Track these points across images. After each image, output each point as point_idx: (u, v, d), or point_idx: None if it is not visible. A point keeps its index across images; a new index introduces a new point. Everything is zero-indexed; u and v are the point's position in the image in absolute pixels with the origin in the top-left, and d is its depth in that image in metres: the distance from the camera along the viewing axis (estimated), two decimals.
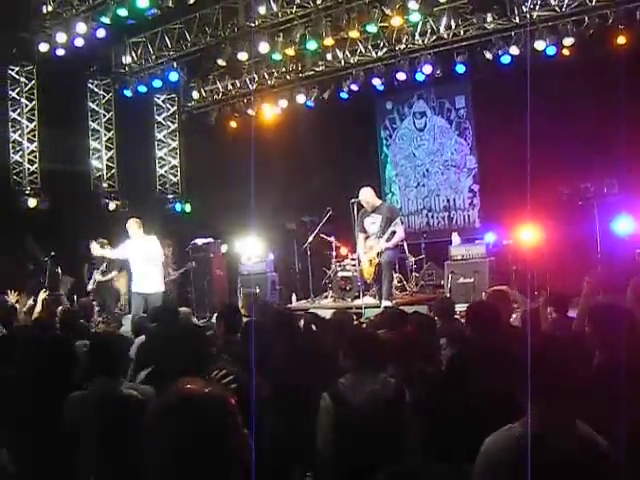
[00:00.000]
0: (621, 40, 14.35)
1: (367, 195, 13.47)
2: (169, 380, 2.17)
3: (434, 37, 16.39)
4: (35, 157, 17.97)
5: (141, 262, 13.22)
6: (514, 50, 15.51)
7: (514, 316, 7.64)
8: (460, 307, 9.40)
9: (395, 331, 6.47)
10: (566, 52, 15.19)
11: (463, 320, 7.71)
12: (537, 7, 14.92)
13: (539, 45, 15.09)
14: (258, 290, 16.29)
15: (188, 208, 20.91)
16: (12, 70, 17.68)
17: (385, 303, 12.43)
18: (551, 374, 3.34)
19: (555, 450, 3.22)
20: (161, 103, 21.15)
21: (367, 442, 4.68)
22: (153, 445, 2.10)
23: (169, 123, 21.25)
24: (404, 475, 2.97)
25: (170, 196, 21.03)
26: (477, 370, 5.00)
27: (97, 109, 19.69)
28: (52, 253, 15.59)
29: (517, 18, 15.17)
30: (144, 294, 13.04)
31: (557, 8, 14.68)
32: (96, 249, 14.52)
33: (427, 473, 3.00)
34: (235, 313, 7.11)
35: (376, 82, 17.82)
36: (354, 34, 15.64)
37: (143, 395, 5.04)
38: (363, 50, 17.30)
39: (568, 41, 14.89)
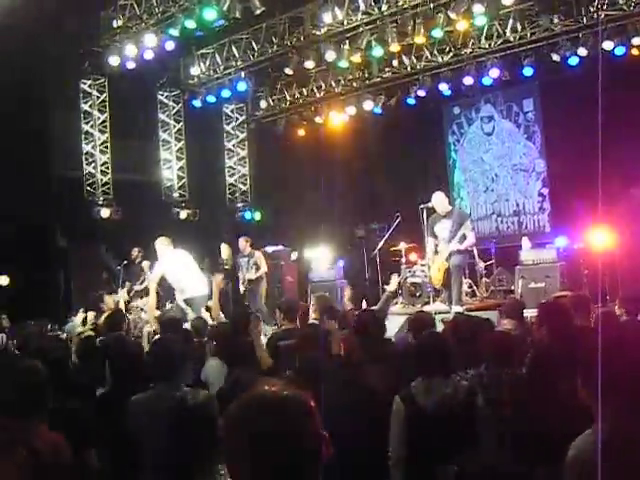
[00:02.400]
0: None
1: (439, 200, 13.36)
2: None
3: (500, 40, 16.31)
4: (107, 168, 18.27)
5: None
6: (582, 51, 15.36)
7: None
8: (532, 312, 9.30)
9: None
10: (635, 52, 15.00)
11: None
12: (604, 7, 14.74)
13: (607, 45, 14.92)
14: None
15: (258, 216, 21.06)
16: (84, 84, 18.04)
17: (455, 308, 12.38)
18: (620, 375, 3.33)
19: (633, 451, 3.23)
20: (230, 113, 21.37)
21: (438, 445, 4.70)
22: (231, 446, 2.15)
23: (238, 132, 21.47)
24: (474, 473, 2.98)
25: (240, 204, 21.22)
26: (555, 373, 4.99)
27: (167, 120, 19.98)
28: (125, 262, 15.87)
29: (584, 19, 15.01)
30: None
31: (625, 7, 14.49)
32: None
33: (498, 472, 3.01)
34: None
35: (443, 87, 17.80)
36: (420, 39, 15.62)
37: (197, 399, 5.12)
38: (429, 55, 17.28)
39: (637, 40, 14.70)
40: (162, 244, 13.15)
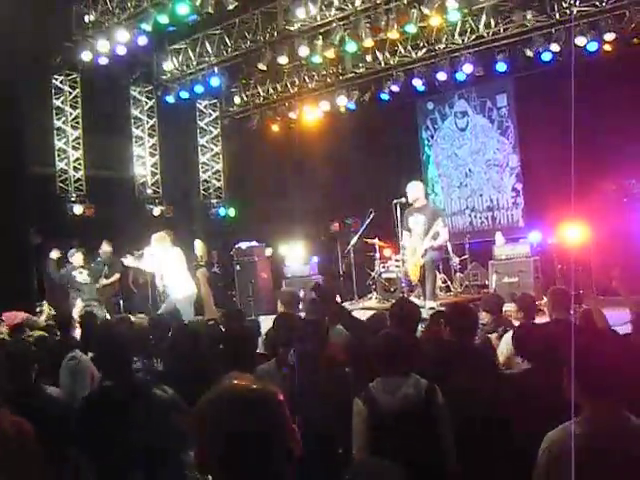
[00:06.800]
0: None
1: (413, 189, 13.15)
2: None
3: (474, 36, 16.33)
4: (80, 164, 18.15)
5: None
6: (555, 47, 15.41)
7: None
8: (506, 307, 9.31)
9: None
10: (608, 47, 15.07)
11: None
12: (577, 3, 14.80)
13: (580, 41, 14.99)
14: (302, 292, 16.28)
15: (232, 212, 20.98)
16: (56, 79, 17.90)
17: (429, 304, 12.38)
18: (601, 372, 3.33)
19: (608, 446, 3.22)
20: (203, 109, 21.27)
21: (401, 445, 4.66)
22: (201, 442, 2.13)
23: (211, 128, 21.37)
24: None
25: (214, 201, 21.12)
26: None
27: (140, 116, 19.85)
28: (99, 259, 15.78)
29: (557, 14, 15.06)
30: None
31: (597, 3, 14.56)
32: (129, 261, 14.21)
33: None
34: None
35: (417, 83, 17.80)
36: (393, 35, 15.60)
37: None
38: (403, 51, 17.28)
39: (609, 36, 14.77)
40: (163, 240, 13.09)
